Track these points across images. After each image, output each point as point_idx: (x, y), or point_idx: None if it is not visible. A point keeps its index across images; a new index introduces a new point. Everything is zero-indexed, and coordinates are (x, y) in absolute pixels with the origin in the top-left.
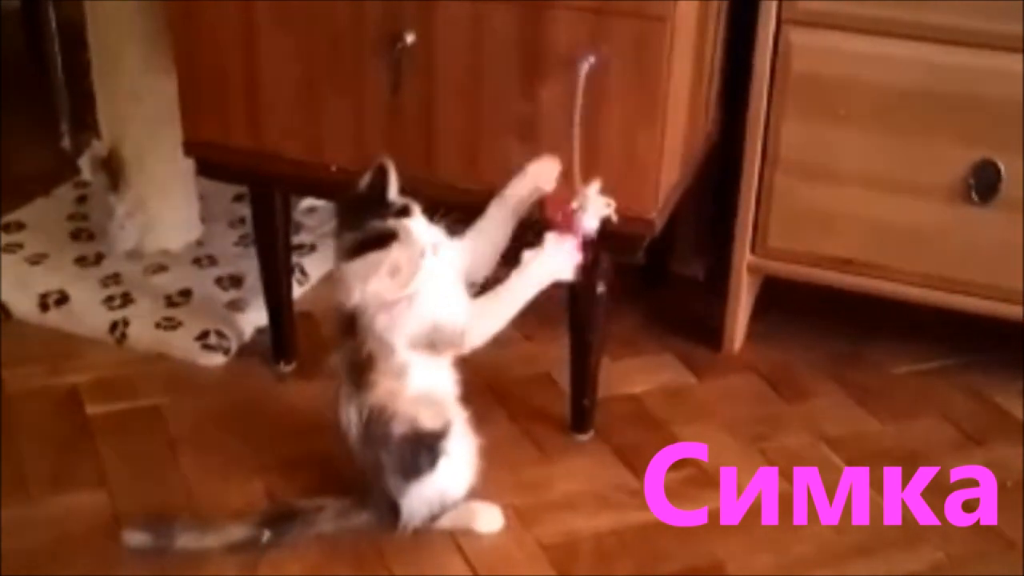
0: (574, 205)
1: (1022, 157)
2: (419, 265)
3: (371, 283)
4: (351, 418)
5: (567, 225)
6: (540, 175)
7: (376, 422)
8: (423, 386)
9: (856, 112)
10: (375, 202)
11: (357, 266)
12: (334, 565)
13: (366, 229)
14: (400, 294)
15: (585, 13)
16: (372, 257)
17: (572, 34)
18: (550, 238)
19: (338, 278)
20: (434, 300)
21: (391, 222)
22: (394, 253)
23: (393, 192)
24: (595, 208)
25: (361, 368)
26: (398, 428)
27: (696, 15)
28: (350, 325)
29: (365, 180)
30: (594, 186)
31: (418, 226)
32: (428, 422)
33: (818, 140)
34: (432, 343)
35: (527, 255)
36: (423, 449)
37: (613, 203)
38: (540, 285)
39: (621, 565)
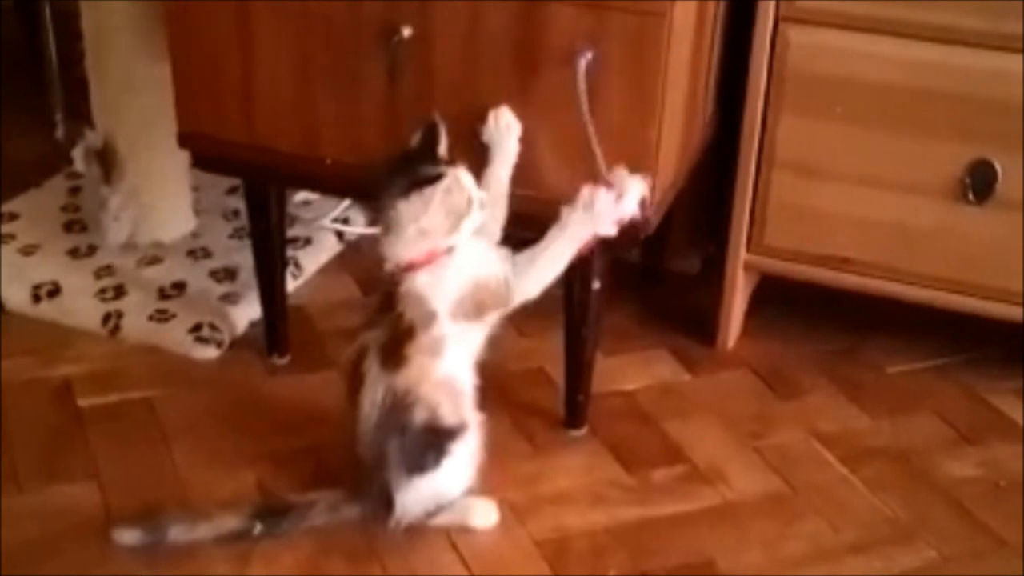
0: (615, 194)
1: (1018, 157)
2: (469, 211)
3: (424, 219)
4: (376, 399)
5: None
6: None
7: (400, 406)
8: (451, 371)
9: (853, 110)
10: (425, 156)
11: (412, 202)
12: (327, 559)
13: (419, 172)
14: (449, 239)
15: (582, 8)
16: (427, 192)
17: (569, 29)
18: (585, 192)
19: (387, 226)
20: (471, 257)
21: (443, 168)
22: (448, 184)
23: (443, 148)
24: (635, 191)
25: (399, 341)
26: (419, 415)
27: (694, 11)
28: (389, 299)
29: (416, 137)
30: (622, 171)
31: (466, 176)
32: (448, 415)
33: (815, 138)
34: (478, 303)
35: (565, 210)
36: (434, 444)
37: (648, 178)
38: (581, 240)
39: (614, 561)
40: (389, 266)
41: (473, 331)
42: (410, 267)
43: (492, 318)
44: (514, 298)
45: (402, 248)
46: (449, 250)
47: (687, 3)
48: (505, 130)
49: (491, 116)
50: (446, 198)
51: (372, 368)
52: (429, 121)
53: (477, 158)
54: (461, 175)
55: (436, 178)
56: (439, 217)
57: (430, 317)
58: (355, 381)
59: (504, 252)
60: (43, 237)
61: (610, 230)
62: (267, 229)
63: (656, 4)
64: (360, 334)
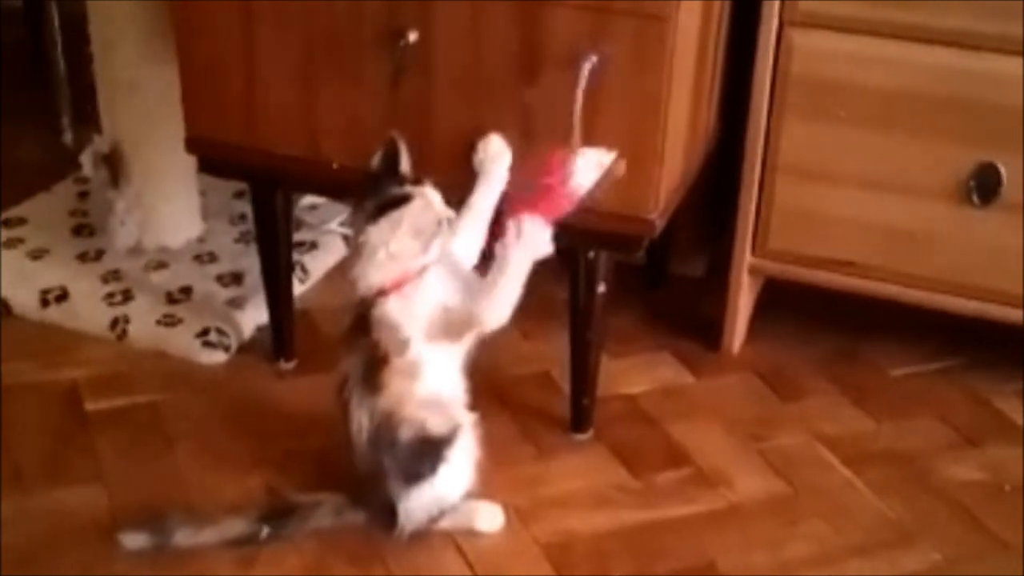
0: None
1: (1022, 160)
2: (438, 230)
3: (394, 242)
4: (362, 423)
5: (558, 183)
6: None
7: (385, 427)
8: (433, 389)
9: (857, 114)
10: (389, 175)
11: (381, 226)
12: (332, 562)
13: (385, 194)
14: (420, 259)
15: (586, 12)
16: (394, 214)
17: (573, 33)
18: (511, 226)
19: (358, 251)
20: (439, 281)
21: (408, 188)
22: (416, 205)
23: (405, 165)
24: (590, 161)
25: (375, 366)
26: (406, 433)
27: (698, 16)
28: (363, 322)
29: (377, 156)
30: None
31: (433, 195)
32: (436, 427)
33: (819, 142)
34: (449, 327)
35: (498, 248)
36: (427, 454)
37: (613, 153)
38: (524, 269)
39: (619, 564)
40: (362, 291)
41: (451, 351)
42: (381, 292)
43: (468, 340)
44: (486, 324)
45: (373, 273)
46: (420, 271)
47: (692, 7)
48: (495, 157)
49: (481, 143)
50: (415, 220)
51: (355, 394)
52: (388, 139)
53: None
54: (428, 194)
55: (404, 199)
56: (408, 239)
57: (403, 343)
58: (342, 406)
59: (471, 277)
60: (51, 241)
61: (549, 247)
62: (274, 233)
63: (660, 8)
64: (341, 359)
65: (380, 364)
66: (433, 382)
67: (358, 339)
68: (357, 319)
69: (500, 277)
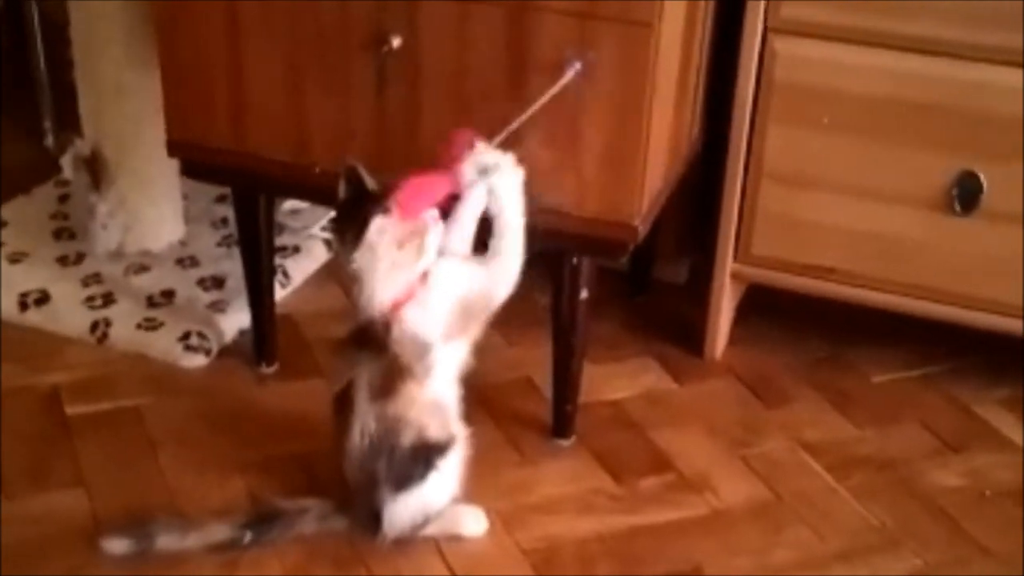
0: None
1: (1003, 168)
2: (428, 228)
3: (385, 257)
4: (366, 429)
5: (444, 162)
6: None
7: (389, 431)
8: (436, 390)
9: (840, 121)
10: (360, 199)
11: (363, 250)
12: (315, 567)
13: (364, 214)
14: (422, 261)
15: (571, 17)
16: (372, 226)
17: (558, 39)
18: (465, 169)
19: (357, 279)
20: (449, 278)
21: (384, 202)
22: (379, 221)
23: (371, 184)
24: (479, 162)
25: (392, 378)
26: (407, 437)
27: (682, 21)
28: (373, 340)
29: (342, 188)
30: (508, 156)
31: None
32: (434, 435)
33: (802, 148)
34: (466, 318)
35: (494, 214)
36: (421, 460)
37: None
38: (519, 223)
39: (602, 569)
40: (374, 312)
41: (460, 346)
42: (396, 307)
43: (478, 327)
44: (500, 296)
45: (382, 290)
46: (424, 277)
47: (675, 13)
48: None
49: (470, 155)
50: (392, 231)
51: (361, 402)
52: (346, 167)
53: None
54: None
55: (371, 211)
56: (395, 250)
57: (425, 349)
58: (343, 414)
59: (473, 258)
60: (31, 245)
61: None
62: (255, 238)
63: (644, 13)
64: (339, 369)
65: (401, 375)
66: (437, 383)
67: (365, 353)
68: (363, 336)
69: (500, 241)
